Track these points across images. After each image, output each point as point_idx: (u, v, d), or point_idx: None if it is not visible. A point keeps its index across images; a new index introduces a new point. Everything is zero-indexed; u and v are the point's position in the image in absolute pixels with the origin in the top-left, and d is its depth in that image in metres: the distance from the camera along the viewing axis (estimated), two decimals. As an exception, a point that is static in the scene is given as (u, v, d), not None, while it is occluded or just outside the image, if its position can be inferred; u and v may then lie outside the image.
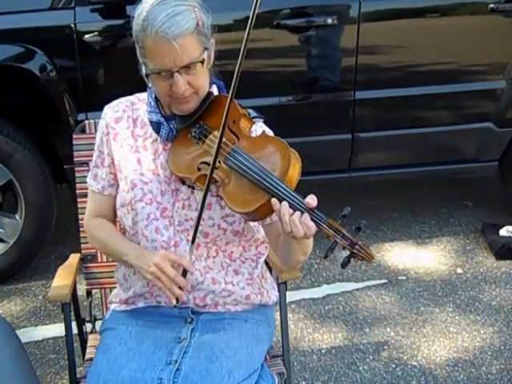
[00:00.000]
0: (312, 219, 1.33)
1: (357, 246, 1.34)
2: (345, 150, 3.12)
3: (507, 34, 3.03)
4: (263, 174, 1.41)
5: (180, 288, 1.50)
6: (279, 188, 1.38)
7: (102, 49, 2.82)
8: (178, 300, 1.51)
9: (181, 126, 1.56)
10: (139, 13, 1.45)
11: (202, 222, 1.56)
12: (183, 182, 1.58)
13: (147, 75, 1.50)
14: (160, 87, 1.50)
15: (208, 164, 1.47)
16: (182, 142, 1.57)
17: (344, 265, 1.37)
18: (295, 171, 1.42)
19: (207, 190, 1.47)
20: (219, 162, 1.48)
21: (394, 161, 3.25)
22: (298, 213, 1.35)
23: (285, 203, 1.36)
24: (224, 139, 1.46)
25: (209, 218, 1.58)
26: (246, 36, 1.36)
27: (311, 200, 1.35)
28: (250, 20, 1.35)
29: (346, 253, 1.36)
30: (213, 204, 1.57)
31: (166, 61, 1.43)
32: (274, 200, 1.37)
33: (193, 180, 1.52)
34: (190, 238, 1.58)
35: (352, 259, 1.36)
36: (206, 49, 1.48)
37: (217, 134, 1.49)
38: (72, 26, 2.73)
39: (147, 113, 1.60)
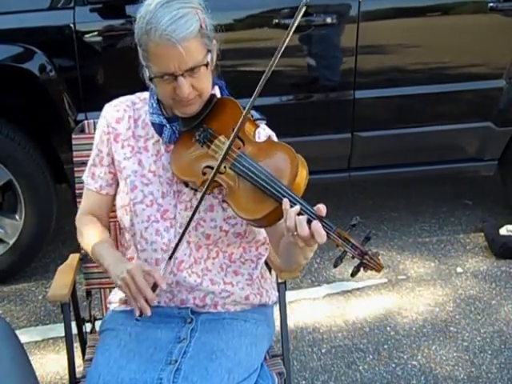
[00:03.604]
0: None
1: (367, 256, 1.32)
2: (345, 149, 3.12)
3: (507, 33, 3.03)
4: (271, 180, 1.39)
5: (147, 301, 1.44)
6: (287, 196, 1.35)
7: (101, 49, 2.82)
8: (141, 314, 1.45)
9: (184, 128, 1.54)
10: (142, 15, 1.43)
11: (203, 224, 1.56)
12: (186, 185, 1.56)
13: (150, 79, 1.49)
14: (163, 90, 1.48)
15: (213, 168, 1.45)
16: (185, 144, 1.55)
17: (353, 274, 1.34)
18: (302, 178, 1.40)
19: (203, 196, 1.46)
20: (225, 167, 1.46)
21: (394, 160, 3.25)
22: (305, 216, 1.31)
23: (292, 206, 1.33)
24: None
25: (211, 220, 1.57)
26: (278, 51, 1.36)
27: (321, 208, 1.32)
28: (288, 31, 1.35)
29: (355, 261, 1.34)
30: (215, 206, 1.57)
31: (170, 65, 1.42)
32: (285, 200, 1.33)
33: (198, 184, 1.50)
34: (192, 239, 1.59)
35: (362, 269, 1.34)
36: (209, 51, 1.47)
37: (222, 138, 1.48)
38: (71, 25, 2.73)
39: (149, 114, 1.59)
